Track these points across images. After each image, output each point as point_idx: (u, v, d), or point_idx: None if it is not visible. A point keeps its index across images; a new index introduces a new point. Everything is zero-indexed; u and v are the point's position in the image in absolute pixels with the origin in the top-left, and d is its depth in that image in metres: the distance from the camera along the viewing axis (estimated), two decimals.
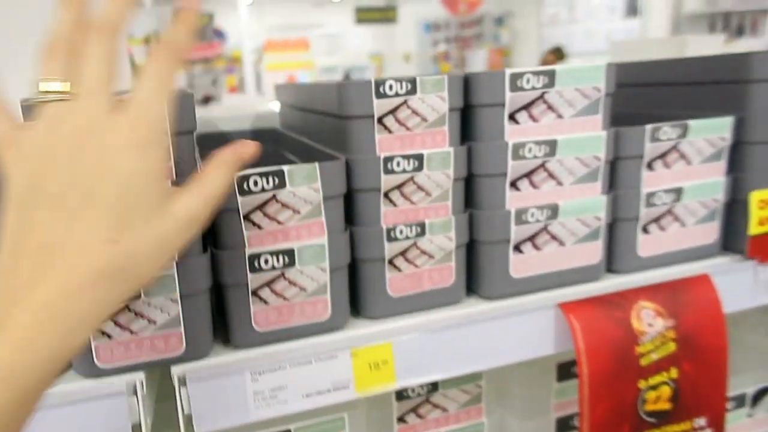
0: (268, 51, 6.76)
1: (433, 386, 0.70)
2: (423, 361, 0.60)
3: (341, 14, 8.94)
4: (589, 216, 0.65)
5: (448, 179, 0.60)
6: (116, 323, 0.50)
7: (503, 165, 0.61)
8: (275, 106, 1.07)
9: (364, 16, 7.93)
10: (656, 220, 0.69)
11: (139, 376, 0.53)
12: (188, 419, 0.54)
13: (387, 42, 9.15)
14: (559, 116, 0.62)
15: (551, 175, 0.63)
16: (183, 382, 0.53)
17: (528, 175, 0.62)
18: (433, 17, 9.15)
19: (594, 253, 0.66)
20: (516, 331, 0.63)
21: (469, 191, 0.63)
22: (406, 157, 0.58)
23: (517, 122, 0.61)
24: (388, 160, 0.57)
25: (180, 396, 0.53)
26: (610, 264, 0.70)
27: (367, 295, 0.60)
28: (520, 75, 0.60)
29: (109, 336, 0.51)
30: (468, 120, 0.62)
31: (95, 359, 0.51)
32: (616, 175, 0.67)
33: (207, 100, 7.18)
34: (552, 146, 0.62)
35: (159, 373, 0.60)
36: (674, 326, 0.66)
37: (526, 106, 0.61)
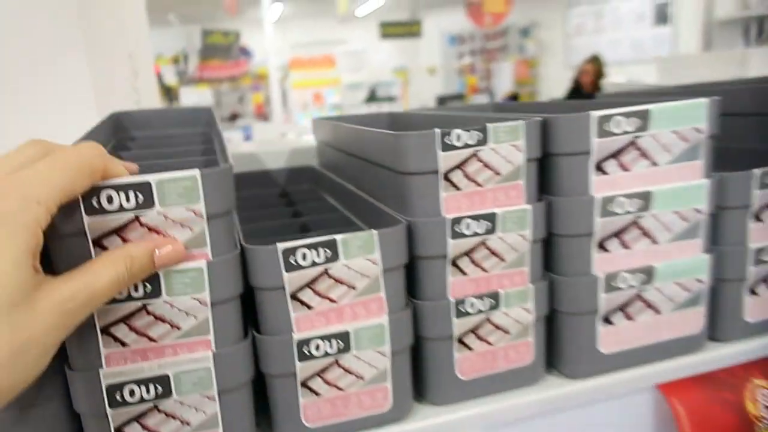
0: (293, 68, 6.77)
1: None
2: None
3: (366, 29, 8.92)
4: (690, 279, 0.55)
5: (524, 241, 0.51)
6: (144, 427, 0.43)
7: (589, 223, 0.52)
8: (310, 139, 1.00)
9: (389, 30, 7.89)
10: (766, 280, 0.59)
11: None
12: None
13: (412, 56, 9.10)
14: (654, 164, 0.53)
15: (645, 233, 0.53)
16: None
17: (618, 233, 0.53)
18: (458, 30, 9.07)
19: (696, 321, 0.57)
20: (607, 418, 0.54)
21: (549, 254, 0.54)
22: (477, 218, 0.49)
23: (604, 172, 0.52)
24: (456, 222, 0.49)
25: None
26: (712, 331, 0.60)
27: (433, 379, 0.52)
28: (609, 118, 0.51)
29: None
30: (547, 171, 0.53)
31: None
32: (719, 229, 0.58)
33: (234, 117, 7.21)
34: (646, 199, 0.52)
35: None
36: None
37: (615, 154, 0.52)
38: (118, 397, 0.41)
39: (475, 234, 0.49)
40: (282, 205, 0.78)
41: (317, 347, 0.46)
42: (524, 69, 8.58)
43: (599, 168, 0.52)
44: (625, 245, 0.53)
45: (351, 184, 0.67)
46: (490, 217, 0.49)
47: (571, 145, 0.51)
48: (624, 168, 0.52)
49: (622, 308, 0.54)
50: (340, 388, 0.47)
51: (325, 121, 0.83)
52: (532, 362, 0.53)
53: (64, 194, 0.34)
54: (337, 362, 0.47)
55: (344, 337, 0.46)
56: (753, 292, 0.58)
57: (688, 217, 0.54)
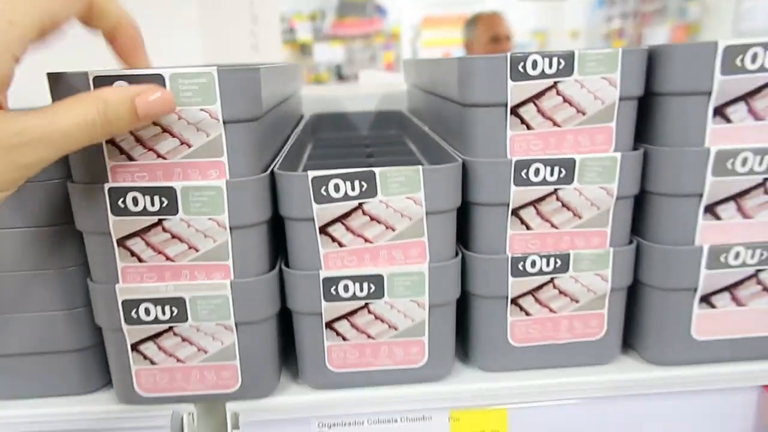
0: (425, 27, 6.59)
1: None
2: None
3: None
4: None
5: (608, 197, 0.42)
6: (160, 348, 0.41)
7: (698, 181, 0.41)
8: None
9: None
10: None
11: (188, 409, 0.44)
12: None
13: (553, 18, 8.40)
14: None
15: None
16: (236, 423, 0.43)
17: (737, 197, 0.42)
18: None
19: None
20: (692, 415, 0.44)
21: (641, 216, 0.45)
22: (550, 163, 0.41)
23: (727, 119, 0.41)
24: (523, 165, 0.41)
25: None
26: None
27: (481, 342, 0.46)
28: (741, 49, 0.39)
29: (152, 361, 0.42)
30: (648, 115, 0.43)
31: (135, 386, 0.42)
32: None
33: None
34: None
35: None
36: None
37: (745, 96, 0.40)
38: (134, 314, 0.40)
39: (546, 182, 0.41)
40: (359, 146, 0.74)
41: (346, 288, 0.41)
42: (682, 35, 7.58)
43: (721, 113, 0.41)
44: (743, 213, 0.42)
45: (427, 125, 0.61)
46: (568, 164, 0.41)
47: (684, 82, 0.40)
48: (756, 116, 0.41)
49: (731, 289, 0.43)
50: (370, 336, 0.43)
51: (413, 61, 0.75)
52: (602, 337, 0.45)
53: (44, 16, 0.29)
54: (367, 307, 0.42)
55: (377, 280, 0.41)
56: None
57: None
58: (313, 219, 0.40)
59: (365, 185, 0.40)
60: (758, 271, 0.43)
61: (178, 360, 0.42)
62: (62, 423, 0.43)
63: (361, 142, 0.71)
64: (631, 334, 0.47)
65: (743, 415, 0.44)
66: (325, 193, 0.39)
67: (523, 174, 0.41)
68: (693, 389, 0.44)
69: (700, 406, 0.44)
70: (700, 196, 0.42)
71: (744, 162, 0.41)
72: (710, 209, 0.42)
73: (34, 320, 0.42)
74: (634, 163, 0.42)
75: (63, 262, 0.41)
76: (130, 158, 0.37)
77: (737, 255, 0.43)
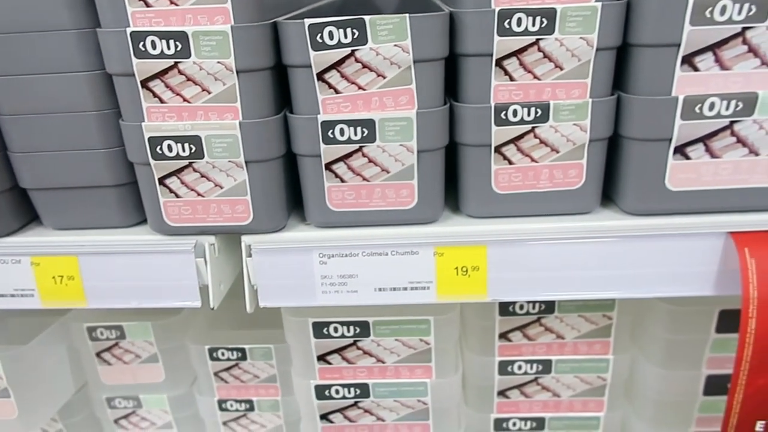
0: None
1: (548, 306, 0.58)
2: (525, 276, 0.49)
3: None
4: None
5: (588, 47, 0.44)
6: (182, 182, 0.48)
7: (675, 29, 0.43)
8: None
9: None
10: None
11: (209, 240, 0.50)
12: (253, 291, 0.51)
13: None
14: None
15: (753, 50, 0.43)
16: (249, 252, 0.50)
17: (715, 47, 0.43)
18: None
19: None
20: (660, 259, 0.48)
21: (621, 66, 0.47)
22: (532, 13, 0.43)
23: None
24: (506, 15, 0.43)
25: (246, 266, 0.50)
26: None
27: (468, 189, 0.50)
28: None
29: (176, 194, 0.48)
30: None
31: (164, 216, 0.49)
32: None
33: None
34: (761, 5, 0.42)
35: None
36: None
37: None
38: (158, 150, 0.46)
39: (527, 32, 0.44)
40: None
41: (342, 132, 0.46)
42: None
43: None
44: (721, 64, 0.44)
45: None
46: (549, 13, 0.43)
47: None
48: None
49: (705, 140, 0.46)
50: (365, 178, 0.48)
51: None
52: (581, 187, 0.49)
53: None
54: (361, 150, 0.47)
55: (369, 125, 0.46)
56: None
57: None
58: (311, 65, 0.44)
59: (356, 32, 0.43)
60: (733, 122, 0.45)
61: (198, 194, 0.48)
62: (108, 247, 0.51)
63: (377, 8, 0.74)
64: (611, 186, 0.51)
65: (711, 258, 0.48)
66: (320, 40, 0.44)
67: (506, 24, 0.44)
68: (664, 233, 0.47)
69: (671, 250, 0.48)
70: (678, 45, 0.43)
71: (723, 10, 0.42)
72: (688, 60, 0.44)
73: (79, 156, 0.49)
74: (613, 13, 0.43)
75: (99, 105, 0.48)
76: (147, 5, 0.43)
77: (712, 105, 0.45)
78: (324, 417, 0.61)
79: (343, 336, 0.57)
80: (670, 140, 0.46)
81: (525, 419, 0.63)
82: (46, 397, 0.66)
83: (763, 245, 0.46)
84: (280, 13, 0.51)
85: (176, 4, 0.42)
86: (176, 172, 0.47)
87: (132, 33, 0.43)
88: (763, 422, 0.48)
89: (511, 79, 0.46)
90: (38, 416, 0.65)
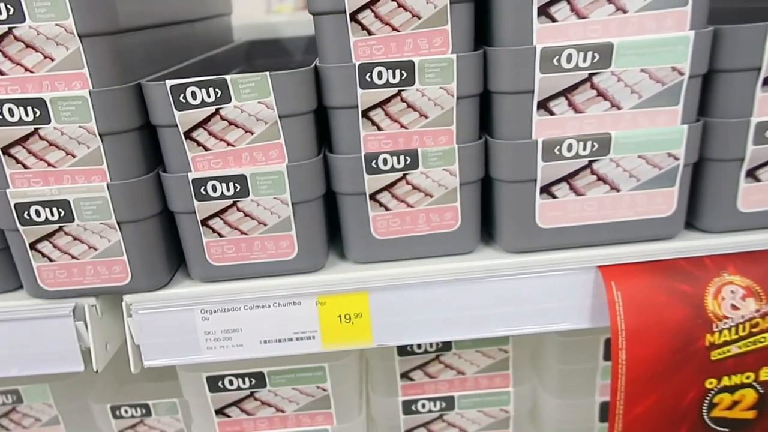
0: None
1: (444, 344, 0.59)
2: (408, 320, 0.50)
3: None
4: (660, 153, 0.47)
5: (449, 96, 0.46)
6: (55, 246, 0.47)
7: (529, 78, 0.45)
8: None
9: None
10: None
11: (89, 301, 0.49)
12: (137, 350, 0.50)
13: None
14: (620, 9, 0.44)
15: (602, 94, 0.45)
16: (129, 313, 0.49)
17: (566, 92, 0.45)
18: None
19: (665, 203, 0.49)
20: (533, 296, 0.49)
21: (487, 115, 0.48)
22: (392, 66, 0.45)
23: (551, 18, 0.44)
24: (367, 69, 0.45)
25: (127, 326, 0.49)
26: (694, 219, 0.51)
27: (349, 236, 0.51)
28: None
29: (49, 258, 0.47)
30: (484, 18, 0.46)
31: (38, 281, 0.48)
32: (712, 95, 0.47)
33: None
34: (605, 53, 0.44)
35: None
36: None
37: None
38: (26, 216, 0.46)
39: (389, 84, 0.45)
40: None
41: (214, 188, 0.46)
42: None
43: (545, 13, 0.44)
44: (575, 108, 0.46)
45: None
46: (407, 66, 0.45)
47: None
48: (578, 14, 0.44)
49: (568, 180, 0.48)
50: (243, 232, 0.48)
51: None
52: (457, 229, 0.50)
53: None
54: (236, 205, 0.47)
55: (241, 180, 0.46)
56: (753, 177, 0.48)
57: (662, 77, 0.45)
58: (177, 125, 0.45)
59: (219, 92, 0.44)
60: (591, 161, 0.47)
61: (73, 257, 0.47)
62: None
63: (287, 66, 0.75)
64: (491, 226, 0.52)
65: (584, 290, 0.49)
66: (183, 100, 0.44)
67: (367, 77, 0.45)
68: (538, 270, 0.49)
69: (546, 286, 0.49)
70: (532, 92, 0.45)
71: (569, 58, 0.44)
72: (543, 105, 0.46)
73: None
74: (470, 63, 0.45)
75: None
76: (2, 73, 0.42)
77: (570, 147, 0.47)
78: None
79: (239, 388, 0.57)
80: (536, 181, 0.48)
81: None
82: None
83: (628, 278, 0.48)
84: (170, 65, 0.51)
85: (32, 72, 0.42)
86: (47, 237, 0.47)
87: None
88: None
89: (379, 128, 0.47)
90: None
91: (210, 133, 0.45)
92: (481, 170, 0.49)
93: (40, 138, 0.44)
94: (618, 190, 0.48)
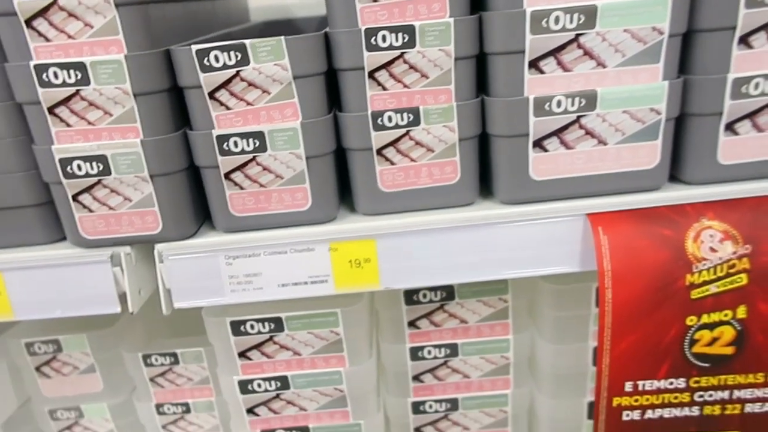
0: None
1: (448, 294, 0.64)
2: (412, 265, 0.54)
3: None
4: (643, 108, 0.51)
5: (447, 58, 0.50)
6: (94, 198, 0.52)
7: (519, 39, 0.49)
8: None
9: None
10: (750, 116, 0.52)
11: (125, 249, 0.55)
12: (168, 294, 0.55)
13: None
14: None
15: (588, 53, 0.49)
16: (161, 259, 0.55)
17: (555, 52, 0.49)
18: None
19: (648, 156, 0.53)
20: (527, 243, 0.54)
21: (484, 75, 0.53)
22: (394, 30, 0.49)
23: None
24: (372, 33, 0.49)
25: (159, 271, 0.55)
26: (677, 171, 0.55)
27: (357, 189, 0.55)
28: None
29: (89, 209, 0.53)
30: None
31: (80, 230, 0.54)
32: (691, 53, 0.51)
33: None
34: (590, 14, 0.48)
35: None
36: (749, 254, 0.51)
37: None
38: (69, 170, 0.51)
39: (392, 47, 0.50)
40: None
41: (235, 144, 0.51)
42: None
43: None
44: (563, 66, 0.50)
45: None
46: (409, 30, 0.49)
47: None
48: None
49: (558, 134, 0.52)
50: (261, 184, 0.53)
51: None
52: (457, 182, 0.54)
53: None
54: (255, 160, 0.52)
55: (260, 136, 0.51)
56: (731, 130, 0.52)
57: (644, 37, 0.49)
58: (201, 86, 0.50)
59: (239, 55, 0.49)
60: (579, 117, 0.51)
61: (110, 208, 0.53)
62: (30, 263, 0.55)
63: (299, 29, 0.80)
64: (488, 179, 0.57)
65: (574, 237, 0.53)
66: (207, 63, 0.49)
67: (372, 41, 0.49)
68: (531, 219, 0.53)
69: (539, 233, 0.54)
70: (523, 52, 0.49)
71: (557, 20, 0.48)
72: (534, 64, 0.50)
73: (1, 180, 0.53)
74: (466, 27, 0.49)
75: (14, 132, 0.52)
76: (47, 39, 0.47)
77: (559, 103, 0.51)
78: (250, 411, 0.65)
79: (259, 332, 0.62)
80: (528, 135, 0.52)
81: (440, 401, 0.68)
82: None
83: (614, 224, 0.52)
84: (192, 38, 0.56)
85: (73, 38, 0.47)
86: (87, 189, 0.52)
87: (35, 66, 0.48)
88: (631, 382, 0.54)
89: (384, 88, 0.51)
90: None
91: (231, 94, 0.50)
92: (478, 126, 0.53)
93: (81, 98, 0.49)
94: (605, 144, 0.52)
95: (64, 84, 0.48)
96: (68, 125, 0.50)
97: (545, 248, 0.54)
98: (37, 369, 0.70)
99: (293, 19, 0.92)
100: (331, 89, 0.54)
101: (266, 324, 0.61)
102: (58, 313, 0.56)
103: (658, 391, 0.54)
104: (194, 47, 0.48)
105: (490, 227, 0.54)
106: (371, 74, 0.51)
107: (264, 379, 0.63)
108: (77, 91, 0.49)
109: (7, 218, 0.55)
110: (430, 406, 0.68)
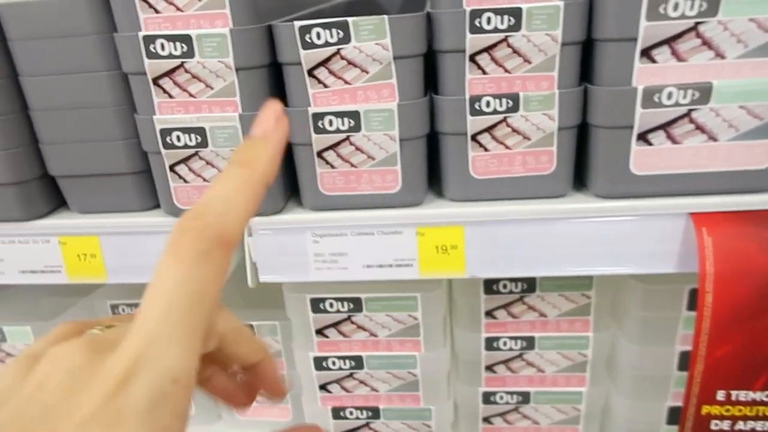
0: None
1: (529, 285, 0.62)
2: (500, 254, 0.53)
3: None
4: (763, 104, 0.48)
5: (553, 43, 0.48)
6: (190, 169, 0.53)
7: (632, 25, 0.47)
8: None
9: None
10: None
11: None
12: (254, 267, 0.56)
13: None
14: None
15: (707, 43, 0.47)
16: (250, 232, 0.55)
17: (670, 41, 0.47)
18: None
19: (764, 154, 0.50)
20: (622, 239, 0.52)
21: (588, 59, 0.51)
22: (500, 12, 0.48)
23: None
24: (476, 15, 0.48)
25: (247, 245, 0.56)
26: None
27: (448, 174, 0.54)
28: None
29: (185, 180, 0.54)
30: None
31: (174, 200, 0.55)
32: None
33: None
34: (713, 1, 0.45)
35: None
36: None
37: None
38: (168, 140, 0.52)
39: (496, 30, 0.48)
40: None
41: (330, 122, 0.51)
42: None
43: None
44: (677, 56, 0.47)
45: None
46: (515, 12, 0.47)
47: None
48: None
49: (665, 128, 0.49)
50: (353, 164, 0.53)
51: None
52: (552, 172, 0.53)
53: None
54: (348, 139, 0.52)
55: (355, 116, 0.51)
56: None
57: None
58: (302, 63, 0.49)
59: (341, 33, 0.48)
60: (690, 110, 0.48)
61: (204, 179, 0.54)
62: (125, 228, 0.57)
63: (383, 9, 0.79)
64: (583, 172, 0.55)
65: (673, 238, 0.51)
66: (309, 40, 0.49)
67: (476, 23, 0.48)
68: (629, 215, 0.51)
69: (636, 230, 0.51)
70: (635, 40, 0.47)
71: (675, 7, 0.46)
72: (646, 53, 0.47)
73: (100, 147, 0.55)
74: (575, 11, 0.47)
75: (117, 101, 0.54)
76: (157, 11, 0.48)
77: (670, 95, 0.48)
78: (322, 387, 0.66)
79: (338, 311, 0.62)
80: (633, 128, 0.50)
81: (511, 393, 0.67)
82: None
83: (719, 225, 0.49)
84: (282, 15, 0.56)
85: (182, 11, 0.48)
86: (184, 160, 0.53)
87: (144, 37, 0.48)
88: (724, 391, 0.52)
89: (484, 72, 0.50)
90: None
91: (330, 72, 0.50)
92: (578, 116, 0.51)
93: (185, 71, 0.50)
94: (715, 140, 0.49)
95: (170, 56, 0.49)
96: (170, 96, 0.51)
97: (641, 246, 0.52)
98: None
99: None
100: (427, 72, 0.53)
101: (345, 303, 0.61)
102: (147, 279, 0.57)
103: (753, 403, 0.52)
104: (297, 23, 0.48)
105: (585, 221, 0.52)
106: (472, 57, 0.49)
107: (339, 357, 0.64)
108: (181, 63, 0.49)
109: (105, 184, 0.57)
110: (501, 398, 0.67)
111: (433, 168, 0.57)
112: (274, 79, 0.53)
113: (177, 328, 0.23)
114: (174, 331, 0.23)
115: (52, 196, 0.60)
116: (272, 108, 0.32)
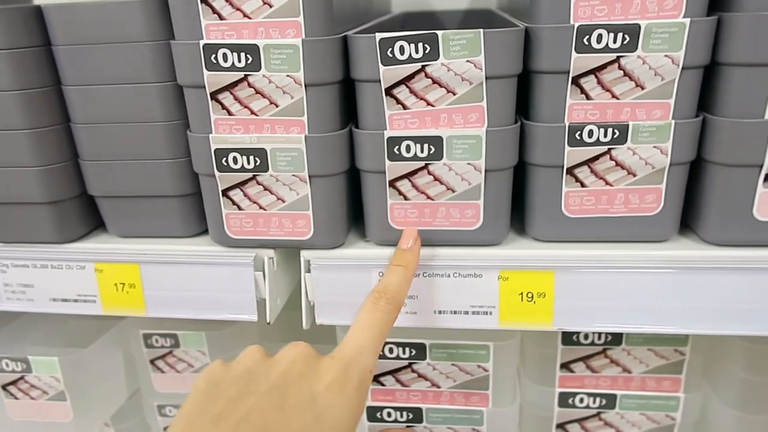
0: None
1: (615, 337, 0.55)
2: (594, 305, 0.46)
3: None
4: None
5: (674, 66, 0.42)
6: (245, 194, 0.48)
7: None
8: None
9: None
10: None
11: (268, 253, 0.50)
12: (310, 307, 0.50)
13: None
14: None
15: None
16: (308, 268, 0.49)
17: None
18: None
19: None
20: (742, 294, 0.45)
21: (709, 90, 0.44)
22: (613, 29, 0.41)
23: None
24: (585, 31, 0.42)
25: (304, 281, 0.49)
26: None
27: (535, 211, 0.48)
28: None
29: (238, 206, 0.48)
30: None
31: (225, 228, 0.49)
32: None
33: None
34: None
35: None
36: None
37: None
38: (224, 162, 0.46)
39: (608, 49, 0.42)
40: None
41: (408, 148, 0.45)
42: None
43: None
44: None
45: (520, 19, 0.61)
46: (632, 30, 0.41)
47: None
48: None
49: None
50: (429, 196, 0.47)
51: None
52: (658, 213, 0.46)
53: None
54: (427, 168, 0.46)
55: (437, 142, 0.45)
56: None
57: None
58: (380, 80, 0.43)
59: (428, 47, 0.42)
60: None
61: (261, 207, 0.48)
62: (169, 257, 0.51)
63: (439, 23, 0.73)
64: (690, 213, 0.48)
65: None
66: (390, 55, 0.43)
67: (585, 41, 0.42)
68: (748, 266, 0.44)
69: (755, 284, 0.44)
70: None
71: None
72: None
73: (146, 166, 0.49)
74: (703, 30, 0.41)
75: (169, 116, 0.48)
76: (221, 17, 0.43)
77: None
78: None
79: (398, 357, 0.56)
80: (761, 166, 0.43)
81: None
82: (100, 401, 0.67)
83: None
84: (347, 27, 0.50)
85: (249, 17, 0.42)
86: (240, 185, 0.47)
87: (205, 45, 0.43)
88: None
89: (588, 97, 0.44)
90: (92, 420, 0.66)
91: (411, 91, 0.44)
92: (694, 150, 0.45)
93: (248, 85, 0.44)
94: None
95: (232, 68, 0.43)
96: (230, 113, 0.45)
97: (759, 303, 0.45)
98: (152, 362, 0.67)
99: (434, 12, 0.86)
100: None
101: (408, 349, 0.55)
102: (191, 315, 0.52)
103: None
104: (378, 35, 0.42)
105: (698, 271, 0.45)
106: (575, 80, 0.43)
107: (395, 409, 0.57)
108: (245, 77, 0.44)
109: (149, 207, 0.52)
110: None
111: (514, 201, 0.50)
112: (344, 97, 0.47)
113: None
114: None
115: (89, 217, 0.54)
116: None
